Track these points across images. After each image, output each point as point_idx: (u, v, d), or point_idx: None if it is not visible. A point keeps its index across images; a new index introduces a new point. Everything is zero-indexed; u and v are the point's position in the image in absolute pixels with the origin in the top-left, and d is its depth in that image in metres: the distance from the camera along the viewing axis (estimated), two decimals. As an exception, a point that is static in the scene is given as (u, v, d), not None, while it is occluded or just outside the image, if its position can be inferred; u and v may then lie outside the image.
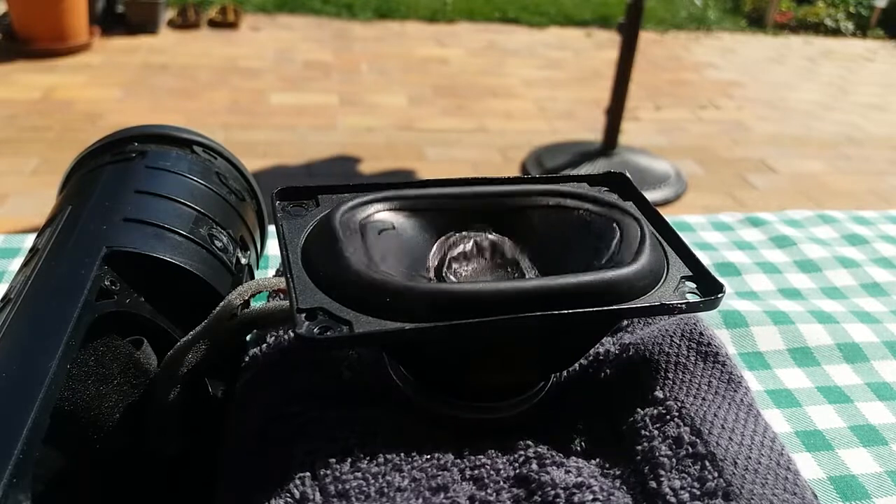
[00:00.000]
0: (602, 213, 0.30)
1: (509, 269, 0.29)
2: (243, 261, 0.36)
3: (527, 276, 0.28)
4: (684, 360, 0.29)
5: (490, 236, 0.29)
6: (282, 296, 0.33)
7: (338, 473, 0.23)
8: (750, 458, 0.24)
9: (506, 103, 2.52)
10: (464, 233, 0.29)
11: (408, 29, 3.33)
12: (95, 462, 0.25)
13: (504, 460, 0.25)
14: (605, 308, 0.25)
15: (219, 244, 0.33)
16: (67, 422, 0.24)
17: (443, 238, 0.29)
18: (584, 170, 1.96)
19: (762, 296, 0.48)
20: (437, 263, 0.28)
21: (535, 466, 0.24)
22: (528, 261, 0.29)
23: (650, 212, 0.31)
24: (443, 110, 2.41)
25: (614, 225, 0.29)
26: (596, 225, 0.30)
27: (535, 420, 0.28)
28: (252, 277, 0.37)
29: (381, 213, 0.29)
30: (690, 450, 0.25)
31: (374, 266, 0.25)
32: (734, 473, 0.23)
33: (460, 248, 0.29)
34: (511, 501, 0.23)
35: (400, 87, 2.59)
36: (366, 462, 0.24)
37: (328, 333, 0.23)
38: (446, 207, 0.30)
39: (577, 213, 0.30)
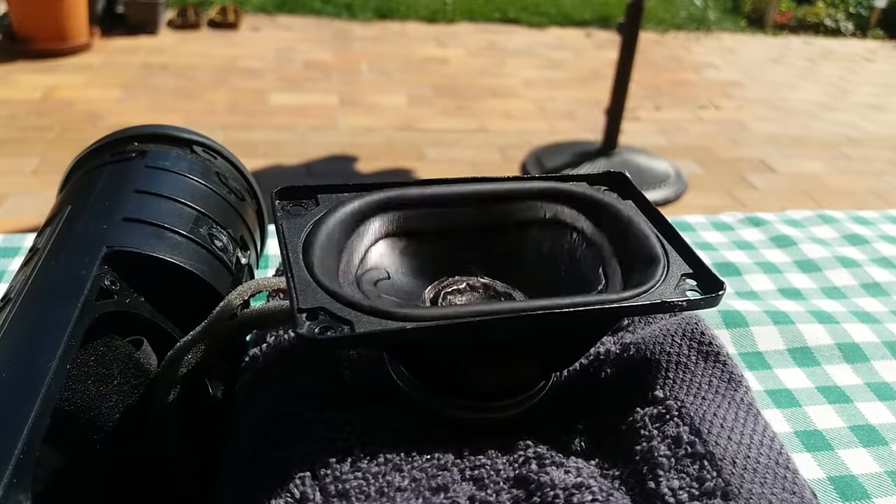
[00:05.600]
0: (590, 246, 0.30)
1: (503, 300, 0.29)
2: (243, 260, 0.36)
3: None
4: (685, 360, 0.29)
5: (482, 279, 0.30)
6: (282, 296, 0.33)
7: (338, 473, 0.23)
8: (749, 457, 0.24)
9: (506, 103, 2.51)
10: (456, 277, 0.30)
11: (408, 29, 3.33)
12: (95, 462, 0.25)
13: (504, 460, 0.25)
14: (606, 307, 0.25)
15: (219, 244, 0.33)
16: (67, 422, 0.24)
17: (436, 282, 0.30)
18: (584, 170, 1.96)
19: (762, 296, 0.48)
20: (432, 296, 0.29)
21: (534, 467, 0.24)
22: (520, 294, 0.29)
23: (650, 210, 0.31)
24: (443, 110, 2.41)
25: (600, 270, 0.30)
26: (583, 266, 0.30)
27: (536, 420, 0.28)
28: (252, 277, 0.37)
29: (376, 250, 0.29)
30: (689, 449, 0.25)
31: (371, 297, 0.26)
32: (733, 473, 0.23)
33: (454, 287, 0.29)
34: (511, 502, 0.23)
35: (400, 87, 2.58)
36: (366, 462, 0.24)
37: (329, 333, 0.23)
38: (441, 228, 0.31)
39: (571, 236, 0.31)
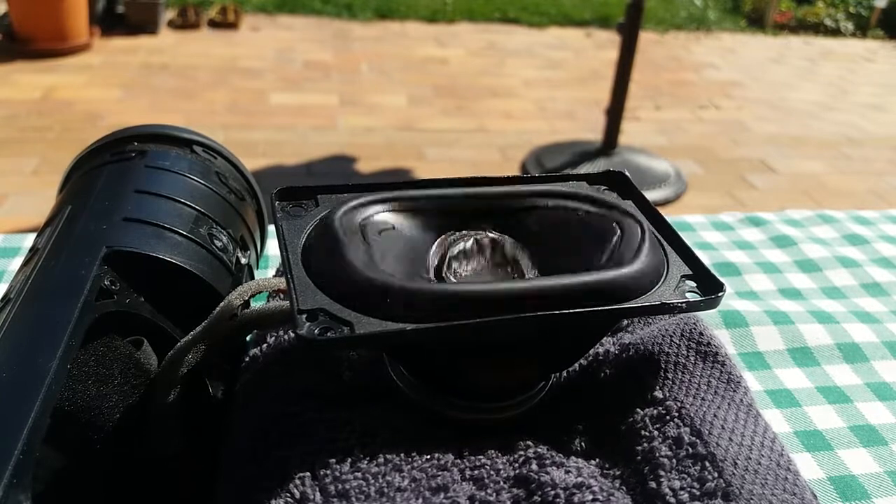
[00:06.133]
0: (601, 214, 0.30)
1: (509, 269, 0.29)
2: (243, 261, 0.36)
3: (526, 276, 0.28)
4: (684, 361, 0.29)
5: (490, 234, 0.29)
6: (282, 296, 0.33)
7: (338, 473, 0.23)
8: (750, 458, 0.24)
9: (506, 103, 2.51)
10: (464, 232, 0.29)
11: (408, 29, 3.33)
12: (95, 462, 0.25)
13: (504, 460, 0.25)
14: (606, 308, 0.25)
15: (219, 244, 0.33)
16: (67, 422, 0.24)
17: (443, 237, 0.29)
18: (584, 170, 1.95)
19: (762, 296, 0.48)
20: (436, 262, 0.28)
21: (534, 467, 0.24)
22: (527, 259, 0.29)
23: (650, 211, 0.31)
24: (443, 110, 2.41)
25: (614, 224, 0.29)
26: (595, 225, 0.30)
27: (536, 420, 0.28)
28: (252, 277, 0.37)
29: (381, 215, 0.29)
30: (690, 450, 0.25)
31: (373, 267, 0.25)
32: (734, 474, 0.23)
33: (460, 247, 0.29)
34: (511, 501, 0.23)
35: (400, 87, 2.58)
36: (366, 462, 0.24)
37: (329, 334, 0.23)
38: (446, 209, 0.30)
39: (577, 213, 0.30)
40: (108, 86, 2.39)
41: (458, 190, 0.31)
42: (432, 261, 0.28)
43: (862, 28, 3.84)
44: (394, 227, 0.29)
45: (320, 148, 2.07)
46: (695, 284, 0.27)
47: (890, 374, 0.40)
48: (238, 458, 0.26)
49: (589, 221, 0.30)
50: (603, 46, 3.24)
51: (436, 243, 0.29)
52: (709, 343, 0.29)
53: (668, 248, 0.29)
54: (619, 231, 0.29)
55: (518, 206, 0.31)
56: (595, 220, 0.30)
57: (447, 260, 0.28)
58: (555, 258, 0.29)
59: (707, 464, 0.24)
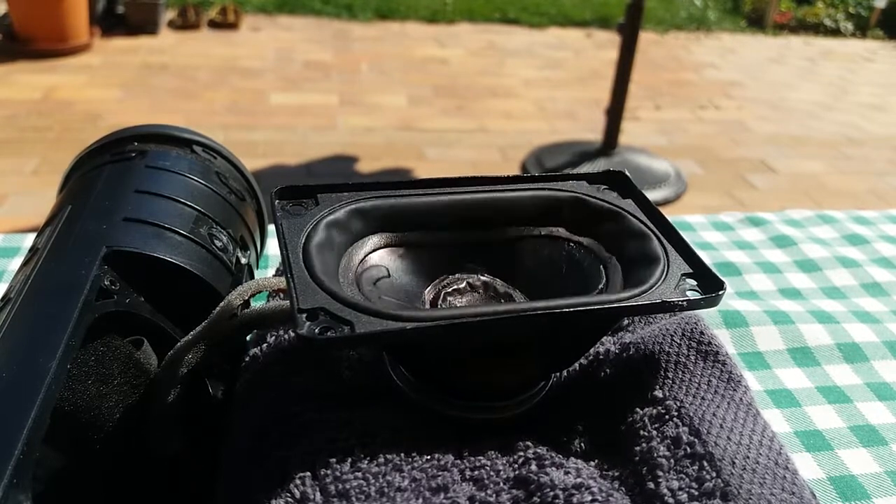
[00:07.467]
0: (589, 251, 0.30)
1: (502, 302, 0.29)
2: (243, 260, 0.36)
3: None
4: (684, 360, 0.29)
5: (483, 277, 0.30)
6: (282, 296, 0.33)
7: (338, 473, 0.23)
8: (748, 457, 0.24)
9: (506, 103, 2.51)
10: (457, 275, 0.30)
11: (408, 29, 3.32)
12: (95, 462, 0.25)
13: (504, 461, 0.25)
14: (606, 306, 0.25)
15: (219, 244, 0.33)
16: (67, 422, 0.24)
17: (437, 280, 0.30)
18: (584, 169, 1.95)
19: (762, 296, 0.48)
20: (432, 298, 0.29)
21: (534, 467, 0.24)
22: (520, 295, 0.29)
23: (650, 209, 0.31)
24: (443, 110, 2.41)
25: (600, 267, 0.29)
26: (585, 264, 0.30)
27: (536, 420, 0.28)
28: (252, 277, 0.37)
29: (376, 255, 0.29)
30: (689, 450, 0.25)
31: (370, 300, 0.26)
32: (732, 473, 0.23)
33: (454, 287, 0.29)
34: (510, 502, 0.23)
35: (400, 87, 2.58)
36: (366, 462, 0.24)
37: (329, 333, 0.23)
38: (439, 243, 0.31)
39: (567, 245, 0.31)
40: (107, 86, 2.39)
41: (454, 197, 0.31)
42: (427, 297, 0.29)
43: (862, 28, 3.84)
44: (388, 275, 0.29)
45: (320, 148, 2.07)
46: (695, 283, 0.27)
47: (890, 374, 0.40)
48: (238, 458, 0.26)
49: (578, 260, 0.30)
50: (603, 46, 3.24)
51: (430, 286, 0.29)
52: (710, 343, 0.29)
53: (669, 247, 0.29)
54: (604, 275, 0.29)
55: (510, 237, 0.31)
56: (584, 259, 0.30)
57: (442, 295, 0.29)
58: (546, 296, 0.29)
59: (705, 463, 0.24)
